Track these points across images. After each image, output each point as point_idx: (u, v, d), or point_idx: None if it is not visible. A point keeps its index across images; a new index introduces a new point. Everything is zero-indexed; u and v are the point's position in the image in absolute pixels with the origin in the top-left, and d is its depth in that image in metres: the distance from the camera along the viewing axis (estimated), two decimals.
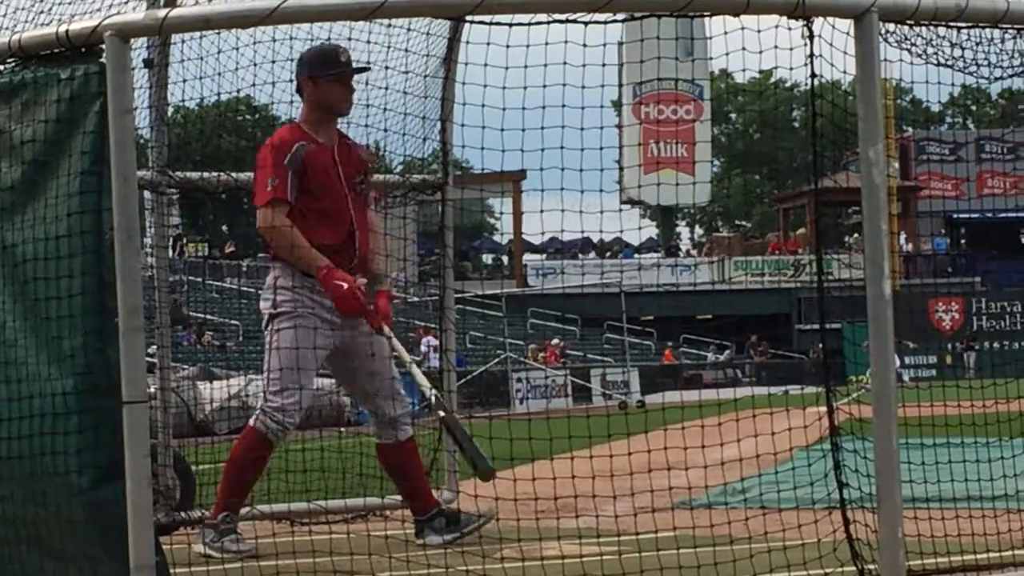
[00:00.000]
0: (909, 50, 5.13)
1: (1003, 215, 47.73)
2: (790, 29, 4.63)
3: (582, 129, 5.05)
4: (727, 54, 4.83)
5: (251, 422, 5.97)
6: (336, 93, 5.92)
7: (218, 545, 5.75)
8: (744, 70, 4.99)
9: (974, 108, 58.39)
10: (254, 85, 6.06)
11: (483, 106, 4.97)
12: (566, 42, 4.75)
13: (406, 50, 6.17)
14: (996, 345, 33.76)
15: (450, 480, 7.07)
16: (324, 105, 5.93)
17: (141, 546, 4.45)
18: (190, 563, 5.43)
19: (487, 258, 49.23)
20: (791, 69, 4.89)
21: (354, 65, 5.97)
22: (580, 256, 46.24)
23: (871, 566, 4.63)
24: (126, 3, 5.39)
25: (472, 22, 4.86)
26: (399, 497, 6.46)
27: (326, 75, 5.84)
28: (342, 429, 11.25)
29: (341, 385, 6.89)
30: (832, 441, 4.85)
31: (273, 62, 5.83)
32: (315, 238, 5.84)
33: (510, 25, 4.71)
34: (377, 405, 6.02)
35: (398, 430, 6.09)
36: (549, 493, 5.75)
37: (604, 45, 5.02)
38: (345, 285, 5.66)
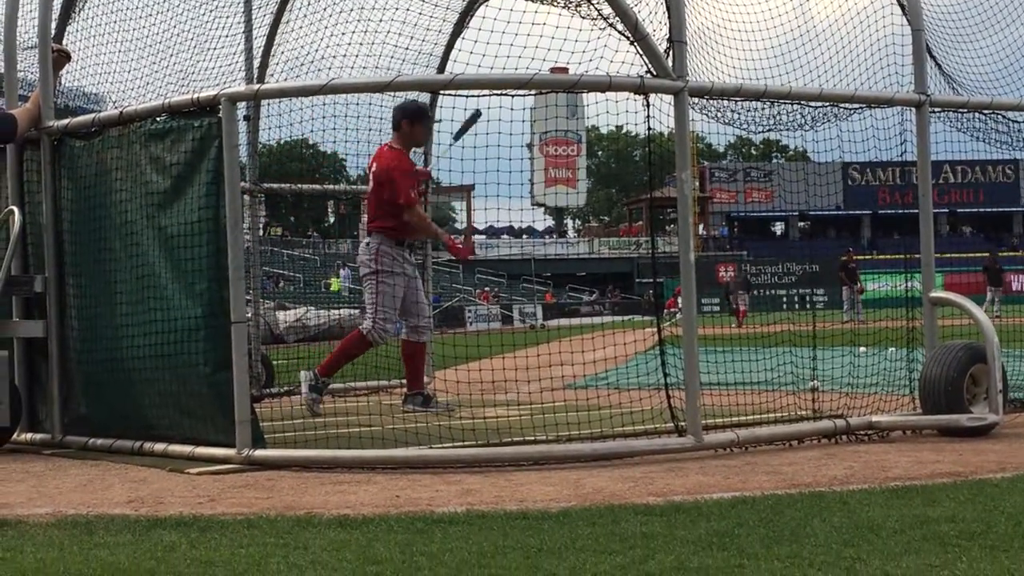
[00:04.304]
0: (705, 113, 7.45)
1: (761, 214, 78.85)
2: (635, 100, 6.97)
3: (509, 159, 7.60)
4: (597, 115, 7.84)
5: (363, 330, 8.74)
6: (424, 134, 9.02)
7: (313, 397, 8.49)
8: (607, 124, 7.95)
9: (743, 150, 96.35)
10: (311, 131, 9.26)
11: (450, 144, 7.82)
12: (500, 107, 7.15)
13: None
14: (758, 292, 53.36)
15: (428, 369, 10.09)
16: (414, 139, 8.96)
17: (243, 409, 6.53)
18: (271, 420, 8.33)
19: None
20: (636, 125, 7.21)
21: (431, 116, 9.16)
22: (506, 236, 73.90)
23: (682, 423, 6.74)
24: (234, 80, 8.37)
25: (444, 93, 7.74)
26: (400, 380, 9.50)
27: (422, 121, 8.90)
28: None
29: None
30: (659, 348, 6.92)
31: (324, 117, 9.01)
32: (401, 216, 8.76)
33: (467, 96, 7.08)
34: (409, 318, 9.01)
35: (419, 335, 9.02)
36: (488, 379, 8.47)
37: (523, 109, 7.23)
38: (457, 243, 8.95)
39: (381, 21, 9.39)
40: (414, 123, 8.93)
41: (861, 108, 7.97)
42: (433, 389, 9.59)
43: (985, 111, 8.60)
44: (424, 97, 9.93)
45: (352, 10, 9.45)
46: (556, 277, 68.96)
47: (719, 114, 7.81)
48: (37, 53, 7.82)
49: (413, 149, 9.11)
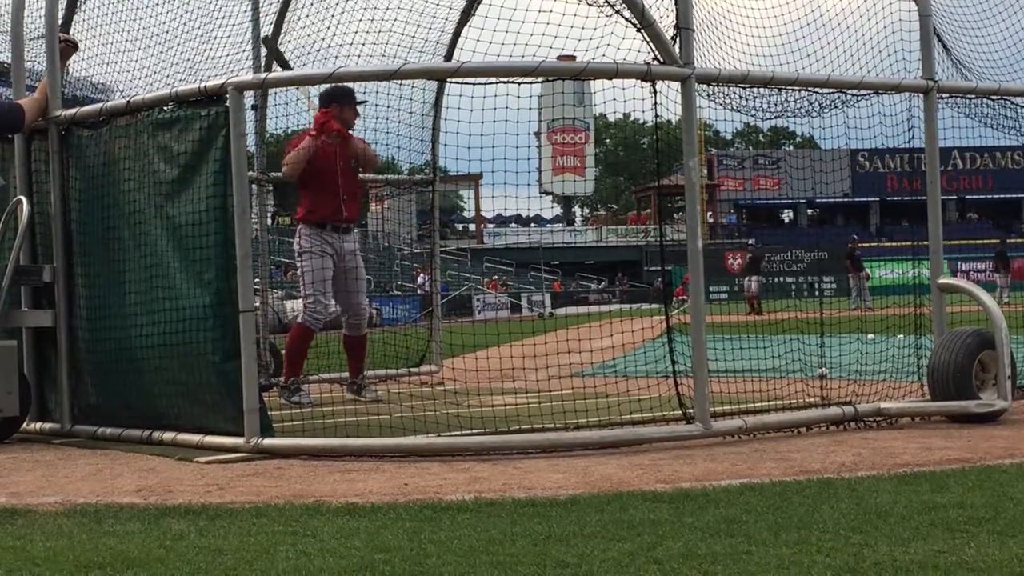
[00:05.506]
0: (713, 100, 7.50)
1: (769, 201, 79.08)
2: (642, 87, 7.07)
3: (517, 147, 7.65)
4: (604, 103, 7.73)
5: (298, 320, 9.06)
6: (346, 113, 9.01)
7: (295, 400, 8.92)
8: (614, 112, 7.78)
9: (751, 137, 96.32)
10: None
11: (457, 133, 7.77)
12: (507, 95, 7.26)
13: (411, 99, 9.38)
14: (767, 279, 51.96)
15: (436, 358, 10.30)
16: (338, 120, 8.95)
17: (251, 397, 6.56)
18: (280, 408, 8.41)
19: (459, 226, 78.41)
20: (643, 112, 7.26)
21: (358, 99, 9.11)
22: (514, 224, 74.79)
23: (690, 411, 6.79)
24: (242, 69, 8.38)
25: (451, 81, 7.86)
26: (409, 369, 9.77)
27: (343, 103, 8.95)
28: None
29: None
30: (668, 336, 6.97)
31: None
32: (318, 196, 8.93)
33: (474, 84, 7.22)
34: (346, 310, 9.20)
35: (355, 329, 9.20)
36: (496, 367, 8.55)
37: (530, 96, 7.45)
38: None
39: (388, 9, 9.40)
40: (335, 106, 8.98)
41: (869, 94, 7.93)
42: (442, 377, 9.66)
43: (993, 97, 8.59)
44: (431, 85, 9.99)
45: None
46: (564, 265, 68.71)
47: (726, 101, 7.79)
48: (44, 43, 7.81)
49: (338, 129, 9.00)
